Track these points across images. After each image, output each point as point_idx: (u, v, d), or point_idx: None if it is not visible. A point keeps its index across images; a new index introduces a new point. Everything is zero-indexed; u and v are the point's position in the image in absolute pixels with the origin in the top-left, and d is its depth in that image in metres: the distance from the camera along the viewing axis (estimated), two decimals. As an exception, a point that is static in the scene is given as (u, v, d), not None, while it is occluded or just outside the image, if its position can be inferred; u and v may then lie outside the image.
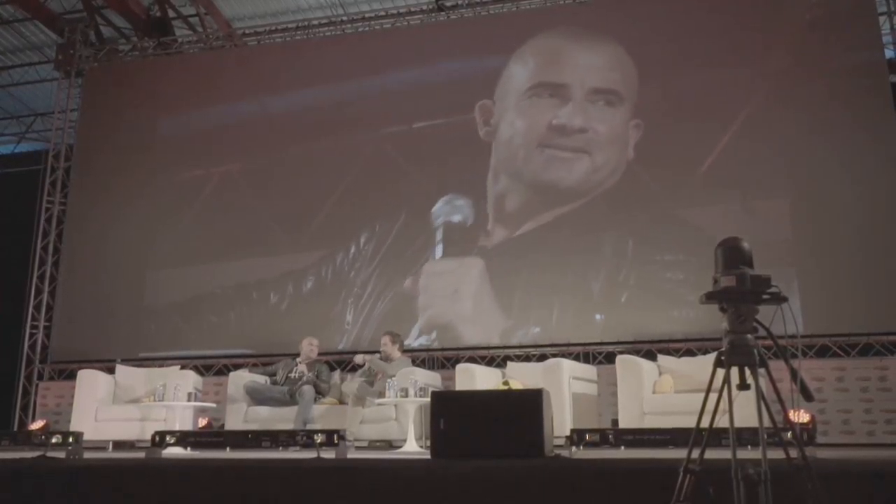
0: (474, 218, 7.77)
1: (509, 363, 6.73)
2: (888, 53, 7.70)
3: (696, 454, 2.24)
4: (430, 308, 7.64)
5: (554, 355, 6.73)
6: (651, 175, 7.36)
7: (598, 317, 7.25)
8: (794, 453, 2.21)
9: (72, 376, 7.58)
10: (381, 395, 5.88)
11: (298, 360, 6.78)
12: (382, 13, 9.06)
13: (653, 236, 7.23)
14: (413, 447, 5.63)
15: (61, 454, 4.63)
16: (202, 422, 7.04)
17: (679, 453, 2.65)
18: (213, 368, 8.05)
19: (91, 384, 6.80)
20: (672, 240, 7.15)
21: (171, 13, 9.83)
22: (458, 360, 6.88)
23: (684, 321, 6.84)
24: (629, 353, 6.36)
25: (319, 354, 6.98)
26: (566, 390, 5.84)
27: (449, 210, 7.87)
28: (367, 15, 9.03)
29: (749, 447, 3.55)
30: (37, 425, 7.65)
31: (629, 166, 7.46)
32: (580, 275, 7.32)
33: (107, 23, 9.97)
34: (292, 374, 6.62)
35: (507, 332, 7.39)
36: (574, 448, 4.26)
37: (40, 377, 8.57)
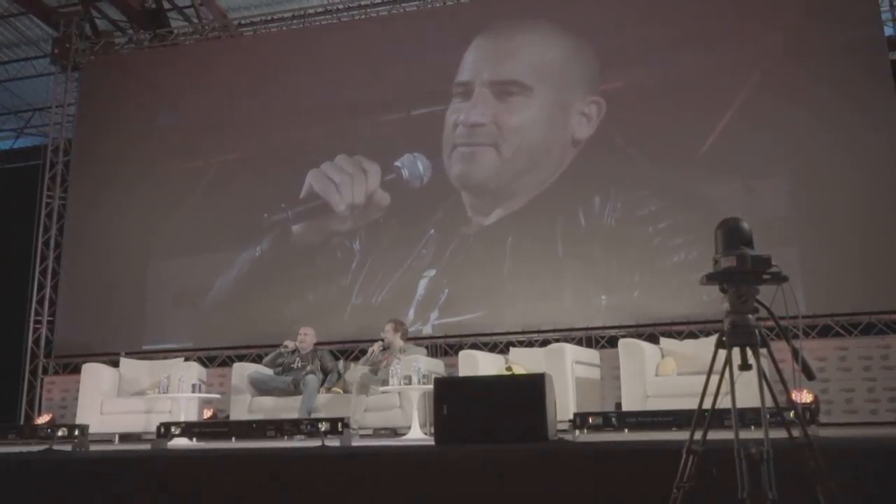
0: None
1: (512, 349, 6.75)
2: (887, 30, 7.64)
3: (698, 435, 2.24)
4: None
5: (556, 340, 6.75)
6: (651, 157, 7.33)
7: (602, 297, 7.24)
8: (796, 433, 2.22)
9: (76, 370, 7.60)
10: (385, 382, 5.90)
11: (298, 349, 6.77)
12: (378, 0, 9.00)
13: (653, 220, 7.20)
14: (417, 434, 5.65)
15: (67, 447, 4.65)
16: (207, 413, 7.07)
17: (682, 435, 2.66)
18: (217, 360, 8.07)
19: (95, 377, 6.82)
20: (673, 222, 7.12)
21: (166, 4, 9.78)
22: (460, 347, 6.89)
23: (686, 303, 6.83)
24: (631, 336, 6.35)
25: (323, 344, 6.99)
26: (569, 374, 5.85)
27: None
28: (362, 3, 8.97)
29: (752, 427, 3.57)
30: (43, 419, 7.69)
31: (622, 149, 7.41)
32: (582, 259, 7.31)
33: (102, 15, 9.92)
34: (295, 365, 6.64)
35: (510, 317, 7.41)
36: (577, 432, 4.26)
37: (45, 371, 8.60)
